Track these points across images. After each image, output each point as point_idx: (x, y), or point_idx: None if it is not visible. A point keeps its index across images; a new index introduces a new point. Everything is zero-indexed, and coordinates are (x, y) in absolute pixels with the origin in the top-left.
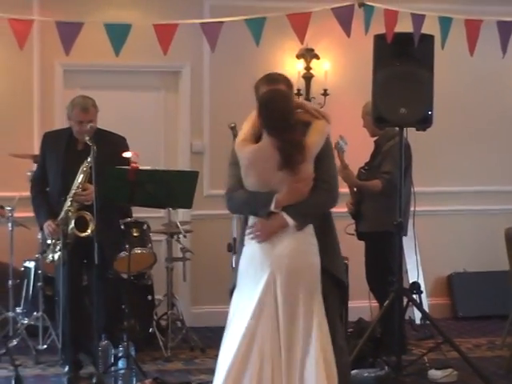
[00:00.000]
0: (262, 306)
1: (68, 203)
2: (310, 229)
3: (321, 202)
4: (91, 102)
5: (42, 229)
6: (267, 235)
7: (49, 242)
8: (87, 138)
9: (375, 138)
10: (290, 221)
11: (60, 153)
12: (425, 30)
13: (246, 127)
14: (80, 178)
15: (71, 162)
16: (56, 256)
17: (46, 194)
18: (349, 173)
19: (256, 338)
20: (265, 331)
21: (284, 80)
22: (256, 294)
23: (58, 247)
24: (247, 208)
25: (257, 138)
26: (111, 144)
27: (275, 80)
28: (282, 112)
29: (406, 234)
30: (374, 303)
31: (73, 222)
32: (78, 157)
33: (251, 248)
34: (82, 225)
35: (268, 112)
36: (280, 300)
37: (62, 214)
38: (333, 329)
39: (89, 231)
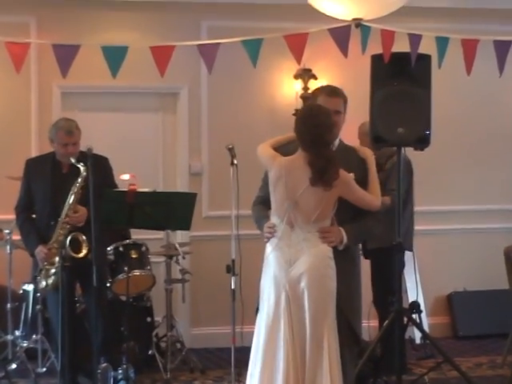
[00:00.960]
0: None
1: (60, 226)
2: (329, 252)
3: (370, 228)
4: (75, 125)
5: (32, 255)
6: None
7: (41, 267)
8: (73, 160)
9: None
10: (344, 238)
11: (46, 177)
12: (422, 49)
13: (279, 139)
14: (71, 199)
15: (58, 185)
16: (50, 281)
17: (33, 219)
18: None
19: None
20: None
21: (342, 95)
22: (276, 314)
23: (52, 271)
24: (257, 225)
25: (286, 153)
26: (97, 165)
27: (335, 93)
28: (317, 126)
29: (411, 250)
30: (372, 324)
31: (67, 243)
32: (65, 180)
33: (271, 268)
34: (75, 246)
35: (305, 127)
36: (295, 318)
37: (54, 237)
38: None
39: (84, 252)
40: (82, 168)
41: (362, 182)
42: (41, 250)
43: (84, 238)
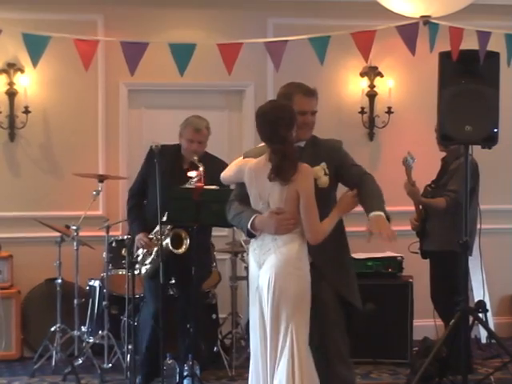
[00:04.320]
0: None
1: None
2: (297, 251)
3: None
4: (205, 124)
5: (133, 241)
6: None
7: (139, 253)
8: (195, 158)
9: (442, 156)
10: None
11: (167, 168)
12: (490, 47)
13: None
14: None
15: (176, 178)
16: (143, 269)
17: (143, 206)
18: (415, 190)
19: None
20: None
21: (316, 94)
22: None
23: (148, 260)
24: (235, 223)
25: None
26: (215, 168)
27: (312, 93)
28: (272, 122)
29: (471, 254)
30: (439, 322)
31: (168, 238)
32: (183, 175)
33: (251, 268)
34: (176, 242)
35: (260, 122)
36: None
37: (157, 228)
38: (335, 345)
39: (183, 248)
40: (200, 168)
41: (340, 166)
42: (141, 239)
43: (186, 234)
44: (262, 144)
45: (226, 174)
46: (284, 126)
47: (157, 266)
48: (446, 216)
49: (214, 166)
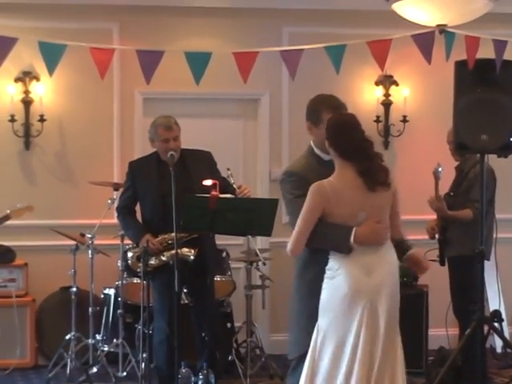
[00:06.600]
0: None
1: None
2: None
3: None
4: (173, 120)
5: (137, 245)
6: None
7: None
8: (171, 153)
9: (456, 164)
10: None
11: (153, 179)
12: (507, 56)
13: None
14: None
15: (168, 186)
16: (157, 261)
17: (135, 214)
18: (442, 207)
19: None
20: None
21: (345, 107)
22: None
23: (154, 262)
24: (323, 241)
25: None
26: (201, 159)
27: (340, 107)
28: (358, 129)
29: (488, 259)
30: (451, 331)
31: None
32: (175, 178)
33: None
34: (189, 247)
35: (346, 130)
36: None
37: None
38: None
39: (194, 253)
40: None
41: None
42: (150, 240)
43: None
44: (302, 156)
45: (305, 211)
46: (363, 131)
47: (162, 263)
48: (466, 223)
49: (200, 158)
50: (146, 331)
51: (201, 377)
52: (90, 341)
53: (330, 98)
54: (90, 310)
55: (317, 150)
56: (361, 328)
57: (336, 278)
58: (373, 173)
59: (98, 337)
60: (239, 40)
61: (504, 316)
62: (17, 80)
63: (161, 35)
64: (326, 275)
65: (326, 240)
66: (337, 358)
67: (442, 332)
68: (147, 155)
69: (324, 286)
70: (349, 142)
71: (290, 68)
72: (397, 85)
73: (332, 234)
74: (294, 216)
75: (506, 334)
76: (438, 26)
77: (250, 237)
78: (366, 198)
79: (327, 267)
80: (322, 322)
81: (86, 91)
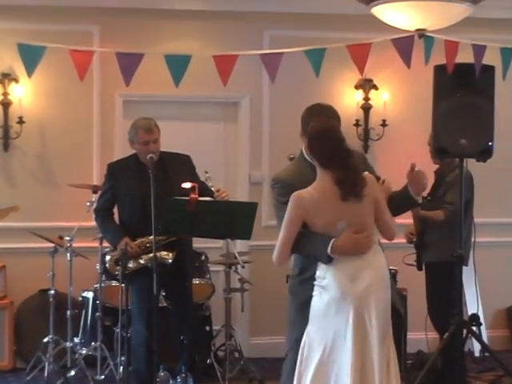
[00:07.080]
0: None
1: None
2: (386, 262)
3: None
4: (153, 122)
5: (115, 248)
6: None
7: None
8: (150, 155)
9: (435, 169)
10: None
11: (133, 181)
12: (486, 60)
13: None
14: None
15: (148, 188)
16: (135, 264)
17: (113, 216)
18: None
19: None
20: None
21: (335, 118)
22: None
23: (132, 266)
24: (305, 251)
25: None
26: (180, 163)
27: (330, 117)
28: (338, 138)
29: (466, 265)
30: (430, 335)
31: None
32: (154, 181)
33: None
34: (167, 250)
35: (326, 139)
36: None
37: (147, 238)
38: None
39: (172, 256)
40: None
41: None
42: (128, 243)
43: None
44: (294, 161)
45: (285, 221)
46: (344, 139)
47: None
48: (443, 228)
49: (179, 161)
50: (125, 334)
51: (179, 380)
52: (68, 344)
53: (324, 108)
54: (69, 312)
55: (307, 156)
56: (349, 334)
57: (323, 285)
58: (347, 183)
59: (77, 340)
60: (220, 43)
61: (482, 319)
62: None
63: (142, 38)
64: (315, 282)
65: (307, 250)
66: (325, 362)
67: (421, 335)
68: (126, 157)
69: (314, 293)
70: (326, 151)
71: (270, 71)
72: (376, 89)
73: (311, 244)
74: (280, 220)
75: (484, 338)
76: (418, 30)
77: (229, 240)
78: (344, 207)
79: (316, 275)
80: (311, 327)
81: (65, 93)
